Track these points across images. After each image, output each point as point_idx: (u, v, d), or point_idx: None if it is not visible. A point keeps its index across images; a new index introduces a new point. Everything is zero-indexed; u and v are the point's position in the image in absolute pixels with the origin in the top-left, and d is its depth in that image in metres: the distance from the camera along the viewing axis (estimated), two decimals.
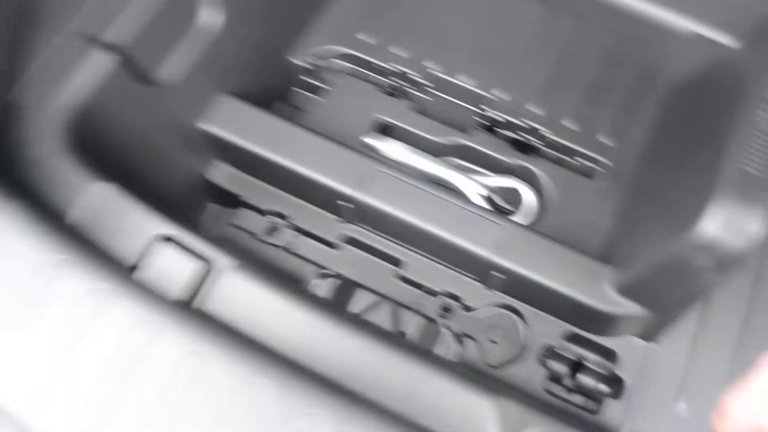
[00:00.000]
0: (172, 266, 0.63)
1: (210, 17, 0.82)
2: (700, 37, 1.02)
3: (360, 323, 0.76)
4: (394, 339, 0.77)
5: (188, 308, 0.63)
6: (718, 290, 0.89)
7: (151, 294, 0.61)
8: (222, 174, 0.95)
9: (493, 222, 0.83)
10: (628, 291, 0.79)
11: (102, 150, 0.72)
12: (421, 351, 0.84)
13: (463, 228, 0.83)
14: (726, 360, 0.87)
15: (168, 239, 0.65)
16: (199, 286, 0.64)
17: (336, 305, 0.91)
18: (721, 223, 0.65)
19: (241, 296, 0.64)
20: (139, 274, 0.64)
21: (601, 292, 0.80)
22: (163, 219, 0.66)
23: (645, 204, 0.86)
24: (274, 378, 0.56)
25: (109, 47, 0.72)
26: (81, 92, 0.71)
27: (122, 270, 0.63)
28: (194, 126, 0.87)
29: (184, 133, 0.87)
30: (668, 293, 0.75)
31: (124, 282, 0.61)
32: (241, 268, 0.64)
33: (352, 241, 0.92)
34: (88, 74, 0.71)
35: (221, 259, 0.64)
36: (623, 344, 0.87)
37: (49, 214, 0.65)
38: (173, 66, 0.81)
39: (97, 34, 0.73)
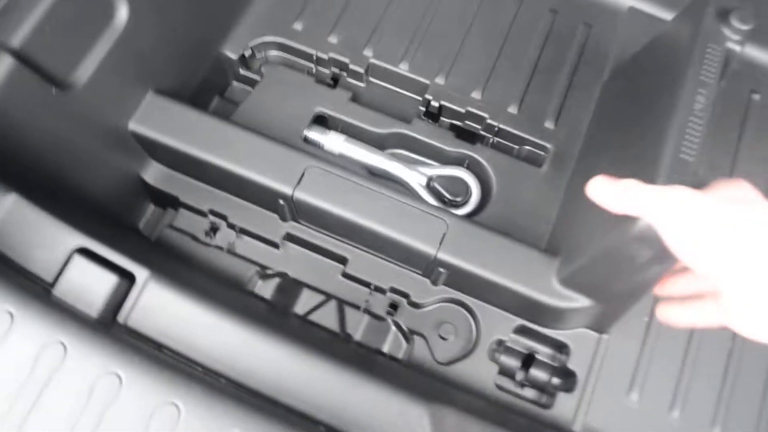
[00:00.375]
0: (91, 282, 0.60)
1: (114, 12, 0.77)
2: (637, 12, 1.01)
3: (294, 330, 0.73)
4: (327, 346, 0.75)
5: (108, 326, 0.59)
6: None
7: (67, 313, 0.58)
8: (158, 175, 0.91)
9: (436, 217, 0.80)
10: (572, 283, 0.77)
11: (9, 159, 0.67)
12: (359, 357, 0.82)
13: (405, 224, 0.80)
14: (678, 350, 0.86)
15: (85, 251, 0.61)
16: (120, 301, 0.61)
17: (280, 306, 0.88)
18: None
19: (165, 310, 0.60)
20: (57, 291, 0.60)
21: (547, 285, 0.78)
22: (79, 230, 0.62)
23: (583, 201, 0.84)
24: (196, 396, 0.54)
25: (5, 49, 0.67)
26: None
27: (36, 289, 0.59)
28: (124, 127, 0.83)
29: (114, 135, 0.83)
30: (613, 285, 0.73)
31: (38, 301, 0.58)
32: (164, 281, 0.61)
33: (296, 240, 0.90)
34: None
35: (142, 272, 0.61)
36: (575, 336, 0.85)
37: None
38: (86, 67, 0.76)
39: None
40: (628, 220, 0.63)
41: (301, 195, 0.81)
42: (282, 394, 0.57)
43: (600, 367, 0.85)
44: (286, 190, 0.81)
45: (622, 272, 0.70)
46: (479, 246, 0.80)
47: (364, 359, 0.80)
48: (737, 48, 0.71)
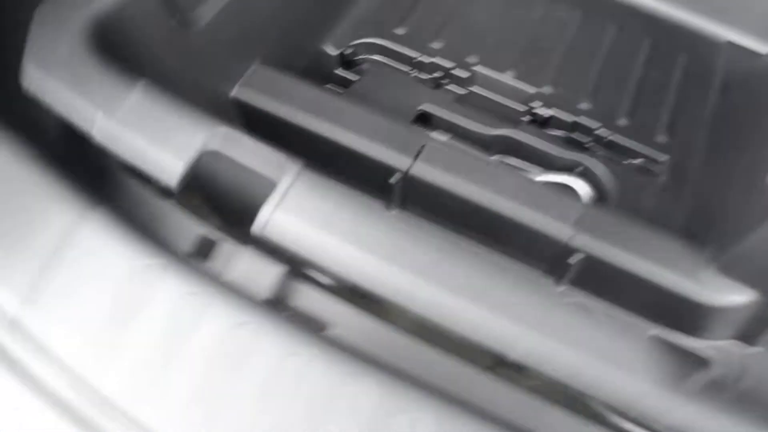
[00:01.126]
0: None
1: None
2: (734, 45, 1.01)
3: None
4: None
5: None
6: None
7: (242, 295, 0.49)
8: None
9: (572, 200, 0.73)
10: (733, 269, 0.68)
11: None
12: None
13: (540, 204, 0.72)
14: None
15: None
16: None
17: None
18: None
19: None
20: None
21: (698, 275, 0.69)
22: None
23: (729, 186, 0.78)
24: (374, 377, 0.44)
25: None
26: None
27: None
28: (225, 95, 0.77)
29: (214, 100, 0.76)
30: None
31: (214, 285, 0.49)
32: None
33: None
34: None
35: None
36: (719, 349, 0.75)
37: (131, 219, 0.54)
38: (205, 11, 0.72)
39: None
40: None
41: (420, 168, 0.73)
42: None
43: (745, 387, 0.74)
44: (403, 164, 0.74)
45: None
46: (620, 231, 0.72)
47: None
48: None
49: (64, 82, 0.54)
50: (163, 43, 0.68)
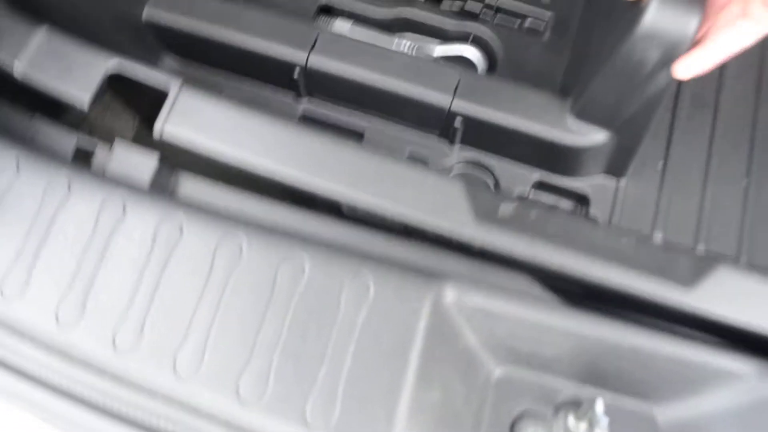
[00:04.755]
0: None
1: None
2: None
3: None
4: None
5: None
6: (679, 130, 0.92)
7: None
8: (173, 68, 0.93)
9: (450, 69, 0.83)
10: (585, 112, 0.79)
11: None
12: None
13: (420, 77, 0.82)
14: (696, 191, 0.89)
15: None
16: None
17: None
18: (662, 12, 0.66)
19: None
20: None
21: (562, 122, 0.81)
22: (110, 54, 0.64)
23: (591, 37, 0.87)
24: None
25: None
26: None
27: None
28: (136, 12, 0.85)
29: (122, 20, 0.85)
30: (626, 103, 0.75)
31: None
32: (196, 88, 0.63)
33: (311, 119, 0.91)
34: None
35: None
36: (594, 185, 0.88)
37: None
38: None
39: None
40: (633, 24, 0.66)
41: (314, 61, 0.83)
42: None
43: (621, 212, 0.87)
44: (300, 57, 0.83)
45: (634, 85, 0.72)
46: (492, 93, 0.82)
47: None
48: None
49: None
50: None
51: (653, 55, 0.69)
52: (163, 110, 0.61)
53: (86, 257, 0.54)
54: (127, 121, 0.95)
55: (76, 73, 0.62)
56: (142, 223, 0.54)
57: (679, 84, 0.93)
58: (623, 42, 0.69)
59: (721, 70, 0.95)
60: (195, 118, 0.61)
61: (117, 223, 0.54)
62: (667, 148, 0.90)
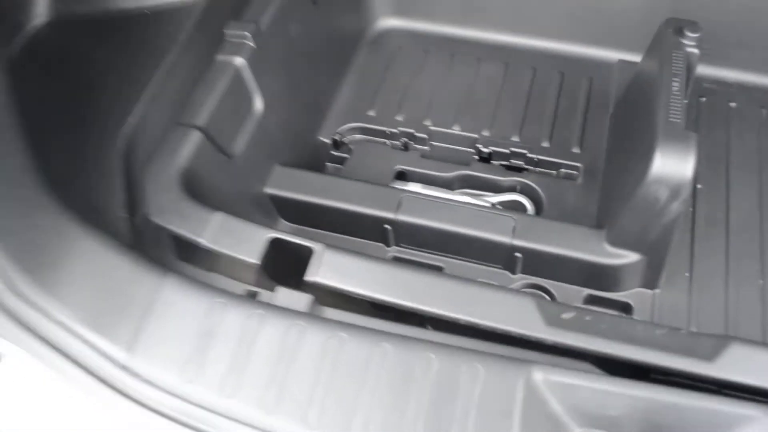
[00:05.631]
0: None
1: (253, 102, 1.10)
2: (624, 62, 1.33)
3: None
4: None
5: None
6: (698, 245, 1.12)
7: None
8: (285, 229, 1.18)
9: (506, 216, 1.06)
10: (618, 241, 1.01)
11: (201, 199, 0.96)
12: None
13: (484, 223, 1.06)
14: (720, 293, 1.07)
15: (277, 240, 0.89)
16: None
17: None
18: (667, 159, 0.90)
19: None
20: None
21: (601, 248, 1.02)
22: (267, 228, 0.89)
23: (616, 181, 1.10)
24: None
25: (194, 126, 1.00)
26: (184, 157, 0.98)
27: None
28: (261, 191, 1.12)
29: (254, 198, 1.12)
30: (648, 231, 0.97)
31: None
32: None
33: (400, 260, 1.14)
34: (186, 146, 0.99)
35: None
36: (634, 296, 1.07)
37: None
38: (239, 142, 1.08)
39: (188, 120, 1.02)
40: (645, 172, 0.89)
41: (401, 217, 1.07)
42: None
43: (660, 316, 1.06)
44: (390, 215, 1.08)
45: (652, 217, 0.94)
46: (545, 232, 1.05)
47: None
48: (695, 51, 1.01)
49: (176, 216, 0.91)
50: (219, 172, 1.04)
51: (664, 194, 0.91)
52: (312, 263, 0.85)
53: (279, 364, 0.74)
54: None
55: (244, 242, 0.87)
56: (315, 336, 0.76)
57: (694, 208, 1.15)
58: (640, 186, 0.92)
59: (727, 192, 1.17)
60: (335, 268, 0.85)
61: (299, 339, 0.76)
62: (691, 261, 1.10)
